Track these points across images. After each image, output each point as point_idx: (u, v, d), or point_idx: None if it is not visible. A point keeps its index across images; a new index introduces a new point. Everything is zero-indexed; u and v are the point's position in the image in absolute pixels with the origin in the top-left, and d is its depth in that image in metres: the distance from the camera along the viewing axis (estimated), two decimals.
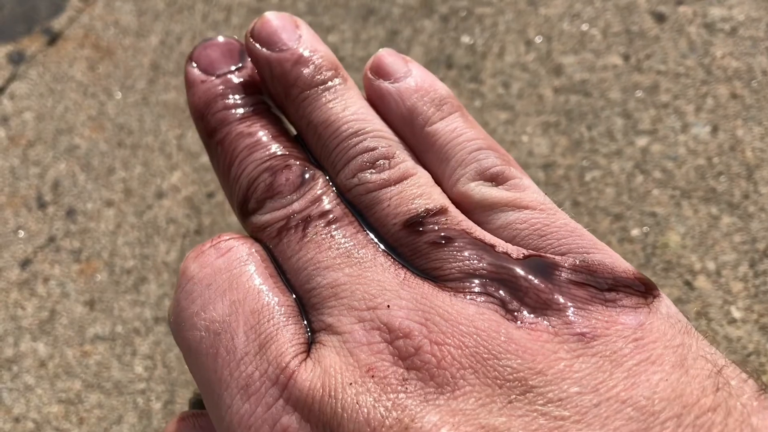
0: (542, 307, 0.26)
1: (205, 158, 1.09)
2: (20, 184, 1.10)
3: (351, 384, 0.25)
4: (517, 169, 0.34)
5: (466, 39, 1.22)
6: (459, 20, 1.25)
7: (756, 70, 1.10)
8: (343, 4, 1.30)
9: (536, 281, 0.27)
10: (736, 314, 0.86)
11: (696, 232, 0.93)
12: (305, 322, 0.29)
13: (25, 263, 1.01)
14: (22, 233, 1.04)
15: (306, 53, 0.36)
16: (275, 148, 0.34)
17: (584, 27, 1.21)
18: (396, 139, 0.35)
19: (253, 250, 0.32)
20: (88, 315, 0.95)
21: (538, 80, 1.14)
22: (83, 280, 0.98)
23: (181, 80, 1.21)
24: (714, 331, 0.85)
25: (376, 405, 0.24)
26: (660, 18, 1.20)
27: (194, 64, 0.37)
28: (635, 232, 0.94)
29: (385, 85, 0.36)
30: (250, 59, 0.38)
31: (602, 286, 0.27)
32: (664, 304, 0.28)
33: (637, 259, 0.92)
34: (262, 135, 0.35)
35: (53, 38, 1.32)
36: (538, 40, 1.20)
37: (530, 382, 0.24)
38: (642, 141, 1.04)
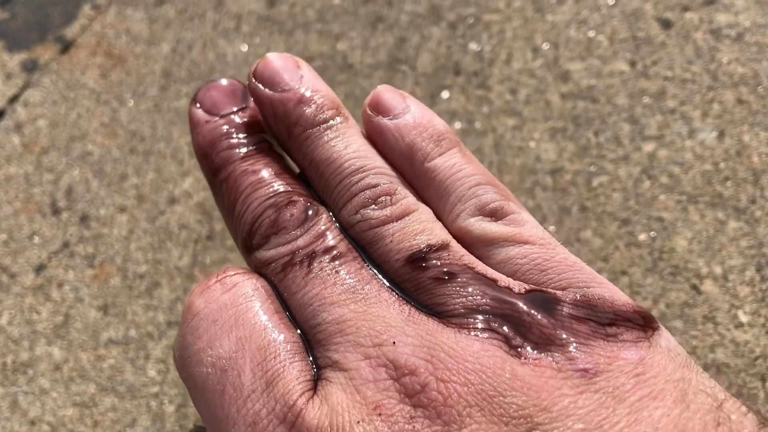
0: (545, 342, 0.27)
1: None
2: (34, 190, 1.12)
3: (359, 422, 0.25)
4: (515, 203, 0.34)
5: (473, 46, 1.23)
6: (467, 27, 1.26)
7: (762, 75, 1.10)
8: (352, 11, 1.32)
9: (539, 316, 0.28)
10: (743, 318, 0.86)
11: (703, 237, 0.94)
12: (311, 358, 0.29)
13: (39, 268, 1.02)
14: (36, 239, 1.05)
15: (308, 93, 0.36)
16: (279, 185, 0.35)
17: (591, 33, 1.22)
18: (396, 176, 0.35)
19: (258, 285, 0.32)
20: (101, 319, 0.96)
21: (546, 86, 1.15)
22: (97, 285, 0.99)
23: (193, 87, 1.23)
24: (721, 335, 0.85)
25: None
26: (666, 24, 1.21)
27: (198, 105, 0.38)
28: (642, 236, 0.95)
29: (384, 121, 0.36)
30: (252, 99, 0.38)
31: (603, 320, 0.28)
32: (664, 337, 0.28)
33: (645, 263, 0.93)
34: (266, 172, 0.35)
35: (66, 46, 1.34)
36: (545, 46, 1.21)
37: (535, 419, 0.24)
38: (649, 146, 1.05)
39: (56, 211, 1.08)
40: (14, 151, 1.17)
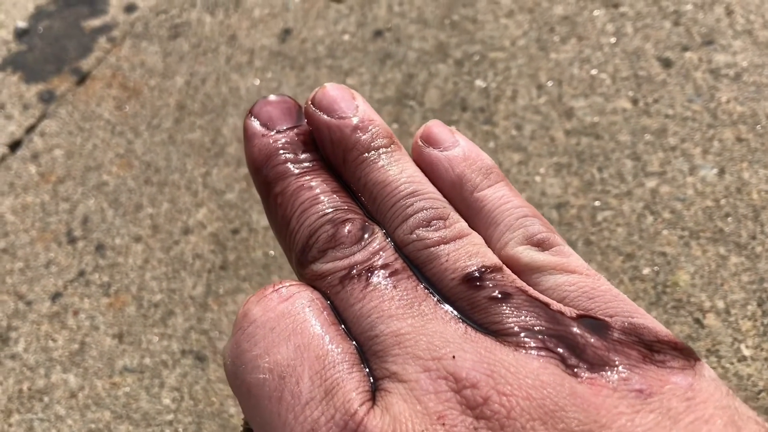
0: (600, 363, 0.28)
1: (230, 195, 1.13)
2: (50, 219, 1.14)
3: (423, 431, 0.26)
4: (560, 237, 0.36)
5: (479, 82, 1.27)
6: (473, 64, 1.30)
7: (760, 114, 1.14)
8: (361, 48, 1.35)
9: (592, 339, 0.29)
10: (746, 352, 0.89)
11: (705, 272, 0.96)
12: (367, 371, 0.30)
13: (55, 296, 1.04)
14: (52, 267, 1.08)
15: (364, 121, 0.38)
16: (336, 201, 0.36)
17: (594, 72, 1.26)
18: (448, 203, 0.36)
19: (314, 297, 0.32)
20: (117, 347, 0.98)
21: (550, 123, 1.18)
22: (112, 314, 1.01)
23: (207, 120, 1.26)
24: (724, 368, 0.88)
25: None
26: (667, 63, 1.25)
27: (254, 119, 0.39)
28: (646, 270, 0.98)
29: (435, 152, 0.38)
30: (308, 124, 0.39)
31: (651, 347, 0.29)
32: (706, 368, 0.29)
33: (649, 297, 0.95)
34: (323, 189, 0.36)
35: (82, 78, 1.37)
36: (550, 84, 1.25)
37: None
38: (651, 182, 1.08)
39: (72, 240, 1.10)
40: (31, 180, 1.20)
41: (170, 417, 0.91)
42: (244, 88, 1.31)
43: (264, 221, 1.08)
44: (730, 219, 1.01)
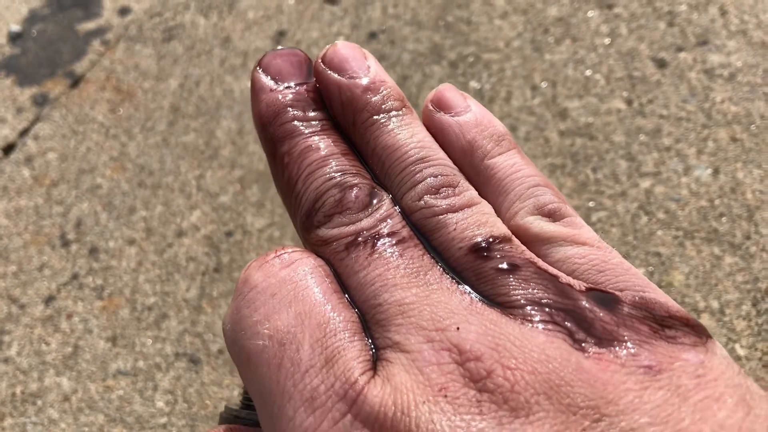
0: (608, 338, 0.27)
1: (224, 198, 1.13)
2: (44, 222, 1.14)
3: (424, 402, 0.25)
4: (571, 208, 0.34)
5: (474, 84, 1.27)
6: (467, 66, 1.30)
7: (754, 114, 1.14)
8: None
9: (601, 314, 0.28)
10: (741, 352, 0.88)
11: (699, 272, 0.96)
12: (368, 340, 0.29)
13: (49, 300, 1.04)
14: (46, 270, 1.07)
15: (375, 82, 0.36)
16: (344, 165, 0.35)
17: (588, 72, 1.26)
18: (458, 169, 0.36)
19: (317, 264, 0.32)
20: (110, 350, 0.98)
21: (545, 123, 1.18)
22: (106, 317, 1.01)
23: (201, 122, 1.25)
24: None
25: (451, 425, 0.24)
26: (661, 64, 1.25)
27: (263, 72, 0.37)
28: (641, 271, 0.98)
29: (446, 117, 0.37)
30: (318, 83, 0.38)
31: (661, 323, 0.28)
32: (718, 346, 0.28)
33: None
34: (331, 151, 0.35)
35: (75, 81, 1.37)
36: (544, 85, 1.25)
37: (603, 411, 0.25)
38: (646, 183, 1.07)
39: (65, 243, 1.10)
40: (24, 183, 1.20)
41: (164, 420, 0.91)
42: (238, 91, 1.31)
43: (258, 223, 1.08)
44: (724, 219, 1.01)
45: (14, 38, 1.49)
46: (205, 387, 0.93)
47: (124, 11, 1.51)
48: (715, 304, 0.93)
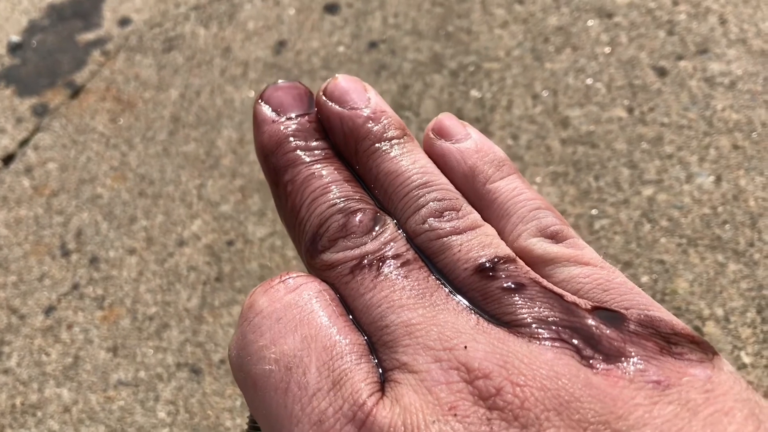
0: (616, 354, 0.27)
1: (225, 207, 1.12)
2: (44, 232, 1.13)
3: (434, 422, 0.25)
4: (572, 230, 0.35)
5: (475, 93, 1.27)
6: (468, 75, 1.30)
7: (756, 122, 1.14)
8: (356, 59, 1.35)
9: (608, 331, 0.28)
10: (746, 359, 0.88)
11: (704, 279, 0.96)
12: (375, 361, 0.29)
13: (49, 310, 1.03)
14: (46, 280, 1.06)
15: (376, 113, 0.37)
16: (347, 191, 0.35)
17: (589, 81, 1.26)
18: (460, 194, 0.36)
19: (322, 288, 0.32)
20: (111, 361, 0.97)
21: (546, 132, 1.18)
22: (106, 327, 1.00)
23: (202, 132, 1.25)
24: None
25: None
26: (662, 72, 1.25)
27: (265, 104, 0.38)
28: (645, 278, 0.97)
29: (447, 144, 0.38)
30: (320, 115, 0.39)
31: (668, 339, 0.28)
32: (724, 362, 0.29)
33: None
34: (334, 178, 0.36)
35: (76, 91, 1.37)
36: (545, 93, 1.25)
37: (613, 426, 0.25)
38: (648, 190, 1.07)
39: (66, 253, 1.09)
40: (24, 193, 1.19)
41: (165, 431, 0.90)
42: (238, 100, 1.30)
43: (259, 232, 1.08)
44: (727, 226, 1.01)
45: (14, 49, 1.48)
46: (207, 397, 0.92)
47: (124, 22, 1.51)
48: (719, 312, 0.92)
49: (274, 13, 1.47)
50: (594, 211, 1.06)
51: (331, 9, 1.47)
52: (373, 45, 1.37)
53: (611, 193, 1.08)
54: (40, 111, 1.33)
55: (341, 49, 1.38)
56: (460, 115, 1.23)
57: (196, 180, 1.17)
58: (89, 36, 1.49)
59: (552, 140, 1.17)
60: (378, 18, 1.42)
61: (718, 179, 1.07)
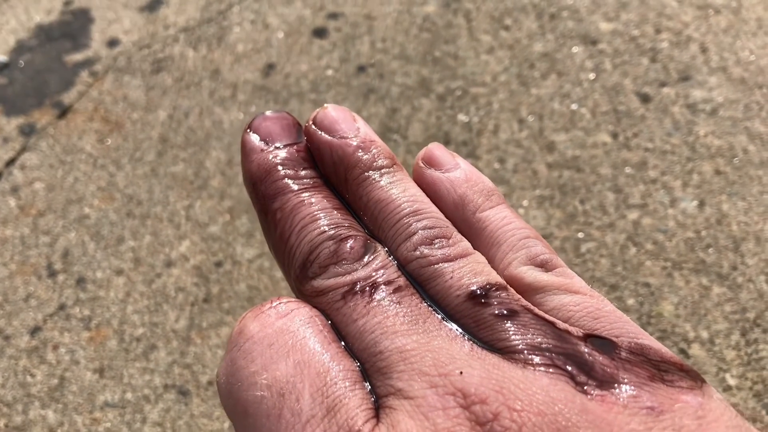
0: (609, 381, 0.27)
1: (213, 228, 1.12)
2: (30, 252, 1.12)
3: None
4: (561, 259, 0.35)
5: (462, 117, 1.28)
6: (455, 99, 1.31)
7: (737, 148, 1.16)
8: (345, 83, 1.36)
9: (600, 357, 0.28)
10: (731, 381, 0.89)
11: (688, 302, 0.97)
12: (369, 388, 0.29)
13: (35, 331, 1.02)
14: (32, 301, 1.06)
15: (365, 142, 0.38)
16: (337, 219, 0.35)
17: (574, 106, 1.28)
18: (450, 222, 0.37)
19: (313, 314, 0.32)
20: (97, 382, 0.96)
21: (532, 156, 1.20)
22: (93, 348, 0.99)
23: (190, 153, 1.25)
24: None
25: None
26: (645, 98, 1.27)
27: (253, 134, 0.39)
28: (631, 301, 0.98)
29: (437, 174, 0.38)
30: (309, 144, 0.39)
31: (658, 367, 0.29)
32: (713, 390, 0.29)
33: None
34: (323, 206, 0.36)
35: (63, 111, 1.36)
36: (531, 118, 1.27)
37: None
38: (633, 214, 1.09)
39: (52, 274, 1.08)
40: (10, 213, 1.18)
41: None
42: (227, 122, 1.31)
43: (248, 254, 1.08)
44: (711, 250, 1.03)
45: (1, 68, 1.48)
46: (194, 419, 0.91)
47: (112, 43, 1.52)
48: (704, 334, 0.94)
49: (263, 37, 1.48)
50: (580, 235, 1.07)
51: (320, 33, 1.48)
52: (361, 69, 1.39)
53: (597, 216, 1.09)
54: (27, 131, 1.32)
55: (330, 72, 1.39)
56: (447, 138, 1.25)
57: (184, 201, 1.17)
58: (77, 56, 1.49)
59: (538, 164, 1.18)
60: (366, 42, 1.44)
61: (702, 204, 1.09)
